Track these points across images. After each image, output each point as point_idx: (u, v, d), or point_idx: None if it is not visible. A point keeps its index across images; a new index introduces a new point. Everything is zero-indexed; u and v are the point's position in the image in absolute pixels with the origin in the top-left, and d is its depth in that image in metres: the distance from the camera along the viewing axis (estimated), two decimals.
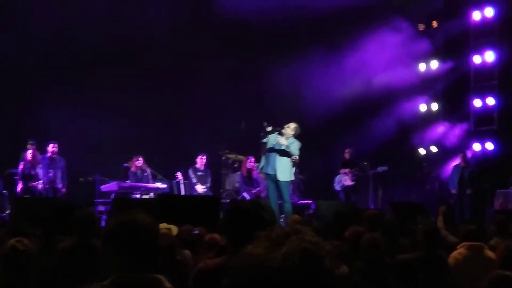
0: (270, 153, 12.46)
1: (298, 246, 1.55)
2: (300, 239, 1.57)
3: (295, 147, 12.40)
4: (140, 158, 15.31)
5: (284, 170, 12.41)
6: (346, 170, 16.35)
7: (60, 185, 14.71)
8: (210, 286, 3.57)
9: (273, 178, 12.40)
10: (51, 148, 14.75)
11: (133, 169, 15.28)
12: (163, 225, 6.21)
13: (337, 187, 16.46)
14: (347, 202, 15.34)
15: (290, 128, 12.49)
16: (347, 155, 16.70)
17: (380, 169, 16.38)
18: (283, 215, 12.34)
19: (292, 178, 12.85)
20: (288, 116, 12.84)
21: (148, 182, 15.19)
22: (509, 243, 6.81)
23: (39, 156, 14.50)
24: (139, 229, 2.82)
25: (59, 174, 14.73)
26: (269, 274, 1.52)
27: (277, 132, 12.48)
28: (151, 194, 14.93)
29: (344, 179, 16.42)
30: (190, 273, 4.94)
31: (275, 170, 12.38)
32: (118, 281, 2.76)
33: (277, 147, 12.41)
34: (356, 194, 16.37)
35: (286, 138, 12.39)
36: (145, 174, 15.30)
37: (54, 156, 14.75)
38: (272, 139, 12.45)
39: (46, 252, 5.82)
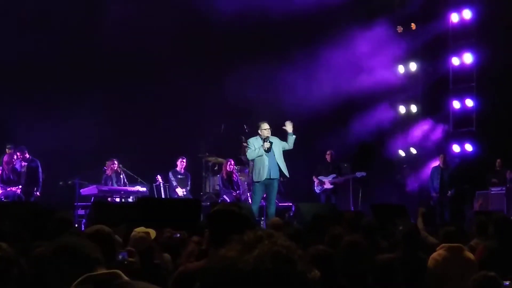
0: (265, 159, 12.27)
1: (270, 250, 1.55)
2: (273, 243, 1.57)
3: (290, 141, 12.40)
4: (116, 161, 15.21)
5: (285, 165, 12.36)
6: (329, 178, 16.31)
7: (33, 188, 14.52)
8: None
9: (267, 181, 12.21)
10: (17, 155, 14.52)
11: (108, 172, 15.18)
12: (140, 229, 6.17)
13: (317, 189, 16.45)
14: (328, 204, 15.31)
15: (264, 128, 12.35)
16: (328, 157, 16.68)
17: (358, 174, 16.35)
18: (263, 218, 12.27)
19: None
20: (268, 119, 12.76)
21: (125, 186, 15.09)
22: (488, 244, 6.85)
23: (15, 160, 14.33)
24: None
25: (32, 176, 14.54)
26: (241, 277, 1.52)
27: (256, 138, 12.37)
28: (131, 198, 14.86)
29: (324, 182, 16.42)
30: (169, 277, 4.93)
31: (278, 171, 12.25)
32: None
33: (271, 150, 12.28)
34: (336, 196, 16.36)
35: (269, 138, 12.28)
36: (121, 176, 15.19)
37: (27, 157, 14.56)
38: (257, 145, 12.28)
39: (24, 257, 5.77)
